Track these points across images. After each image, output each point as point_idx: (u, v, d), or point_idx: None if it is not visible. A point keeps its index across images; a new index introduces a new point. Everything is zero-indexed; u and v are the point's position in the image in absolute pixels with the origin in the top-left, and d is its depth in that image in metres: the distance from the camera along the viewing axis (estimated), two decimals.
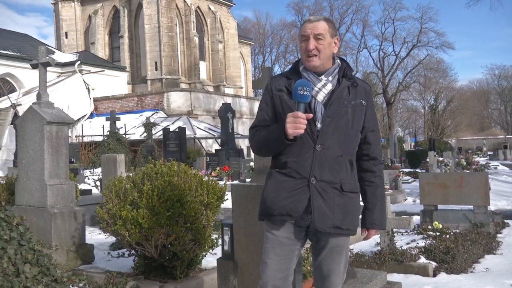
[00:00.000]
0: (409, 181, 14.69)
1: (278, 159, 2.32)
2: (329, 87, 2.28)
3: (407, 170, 17.94)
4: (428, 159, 17.15)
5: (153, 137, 19.21)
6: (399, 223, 5.10)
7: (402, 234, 6.51)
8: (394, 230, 5.24)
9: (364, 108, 2.31)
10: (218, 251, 4.51)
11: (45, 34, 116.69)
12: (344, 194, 2.24)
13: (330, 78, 2.30)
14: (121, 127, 20.16)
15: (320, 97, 2.26)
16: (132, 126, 21.82)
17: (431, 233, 6.17)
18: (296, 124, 2.11)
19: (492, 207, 8.11)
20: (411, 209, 9.17)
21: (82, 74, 25.42)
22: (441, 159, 18.41)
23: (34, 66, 5.39)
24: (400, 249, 5.05)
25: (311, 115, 2.18)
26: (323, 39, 2.26)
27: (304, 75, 2.31)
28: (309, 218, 2.23)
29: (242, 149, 19.50)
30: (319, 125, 2.23)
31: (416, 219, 6.92)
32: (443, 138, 42.01)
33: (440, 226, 6.29)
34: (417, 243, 5.68)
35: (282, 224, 2.28)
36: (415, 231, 6.49)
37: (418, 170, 17.77)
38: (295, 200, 2.22)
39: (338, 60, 2.38)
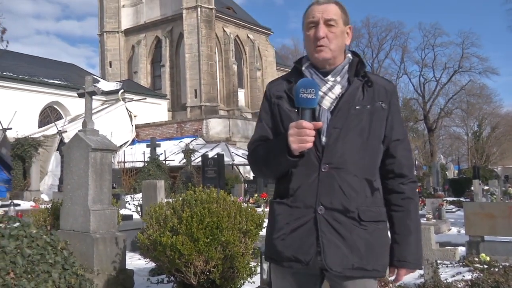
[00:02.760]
0: (453, 210, 14.18)
1: (280, 185, 1.85)
2: (337, 90, 1.80)
3: (450, 199, 17.36)
4: (472, 188, 16.57)
5: (192, 163, 19.48)
6: (444, 254, 4.91)
7: (446, 266, 6.26)
8: (438, 261, 5.05)
9: (385, 112, 1.81)
10: (256, 279, 4.48)
11: (93, 64, 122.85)
12: (364, 225, 1.74)
13: (338, 79, 1.82)
14: (161, 154, 20.56)
15: (327, 103, 1.78)
16: (171, 152, 22.21)
17: (478, 265, 5.90)
18: (301, 136, 1.63)
19: None
20: (456, 240, 8.82)
21: (125, 102, 26.26)
22: (486, 187, 17.74)
23: (80, 95, 5.61)
24: (445, 281, 4.86)
25: (320, 123, 1.70)
26: (336, 26, 1.79)
27: (306, 74, 1.83)
28: (319, 260, 1.73)
29: None
30: (324, 139, 1.75)
31: (461, 250, 6.64)
32: (488, 166, 40.46)
33: (488, 258, 6.01)
34: (463, 276, 5.43)
35: (290, 271, 1.81)
36: (461, 263, 6.23)
37: (462, 199, 17.17)
38: (303, 240, 1.74)
39: (350, 55, 1.88)
